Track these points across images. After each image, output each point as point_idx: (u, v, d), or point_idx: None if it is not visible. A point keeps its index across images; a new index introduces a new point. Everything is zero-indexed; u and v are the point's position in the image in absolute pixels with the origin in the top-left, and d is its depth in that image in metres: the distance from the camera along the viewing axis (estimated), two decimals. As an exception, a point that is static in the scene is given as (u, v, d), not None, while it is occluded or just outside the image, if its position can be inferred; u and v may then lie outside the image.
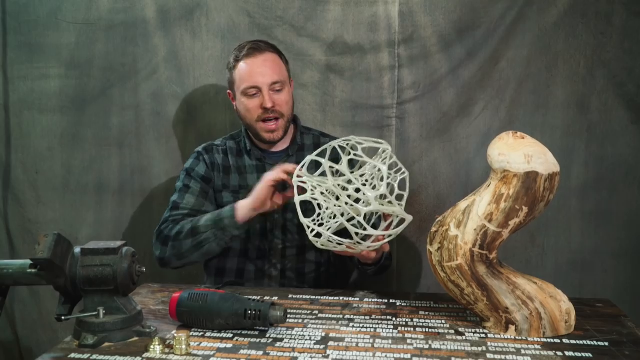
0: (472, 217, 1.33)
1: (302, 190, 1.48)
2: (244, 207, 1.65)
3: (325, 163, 1.51)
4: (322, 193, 1.47)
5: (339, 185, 1.48)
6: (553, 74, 2.04)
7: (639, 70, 2.01)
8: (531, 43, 2.03)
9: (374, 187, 1.54)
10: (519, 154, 1.30)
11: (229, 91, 1.84)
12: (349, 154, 1.54)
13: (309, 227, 1.48)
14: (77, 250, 1.31)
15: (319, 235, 1.48)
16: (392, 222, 1.54)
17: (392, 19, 2.04)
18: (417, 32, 2.04)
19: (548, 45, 2.02)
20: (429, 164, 2.10)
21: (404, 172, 1.56)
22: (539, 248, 2.11)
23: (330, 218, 1.58)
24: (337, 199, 1.50)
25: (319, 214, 1.56)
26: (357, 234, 1.45)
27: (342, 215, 1.47)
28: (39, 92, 2.19)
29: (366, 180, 1.55)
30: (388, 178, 1.50)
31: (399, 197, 1.54)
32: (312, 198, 1.47)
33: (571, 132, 2.06)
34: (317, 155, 1.53)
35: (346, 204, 1.45)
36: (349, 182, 1.48)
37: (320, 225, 1.52)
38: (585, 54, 2.02)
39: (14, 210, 2.25)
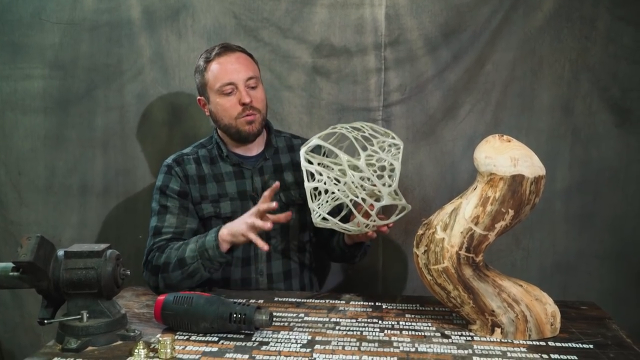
0: (459, 219, 1.33)
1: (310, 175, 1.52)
2: (225, 240, 1.58)
3: (343, 157, 1.50)
4: (328, 178, 1.50)
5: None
6: (538, 78, 2.05)
7: (622, 75, 2.02)
8: (516, 47, 2.04)
9: (379, 176, 1.55)
10: (505, 157, 1.31)
11: (199, 97, 1.80)
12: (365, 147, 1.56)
13: (314, 211, 1.51)
14: (61, 253, 1.29)
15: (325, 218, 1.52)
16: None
17: (378, 21, 2.04)
18: (404, 34, 2.05)
19: (533, 49, 2.04)
20: (415, 167, 2.11)
21: (399, 147, 1.58)
22: (523, 251, 2.12)
23: (335, 200, 1.58)
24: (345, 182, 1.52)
25: (322, 196, 1.57)
26: (366, 225, 1.52)
27: (351, 200, 1.51)
28: (22, 92, 2.16)
29: (374, 170, 1.57)
30: (392, 170, 1.56)
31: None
32: (322, 181, 1.50)
33: (556, 135, 2.07)
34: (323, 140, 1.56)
35: (356, 194, 1.49)
36: (359, 170, 1.52)
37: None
38: (570, 57, 2.03)
39: (-4, 211, 2.22)
